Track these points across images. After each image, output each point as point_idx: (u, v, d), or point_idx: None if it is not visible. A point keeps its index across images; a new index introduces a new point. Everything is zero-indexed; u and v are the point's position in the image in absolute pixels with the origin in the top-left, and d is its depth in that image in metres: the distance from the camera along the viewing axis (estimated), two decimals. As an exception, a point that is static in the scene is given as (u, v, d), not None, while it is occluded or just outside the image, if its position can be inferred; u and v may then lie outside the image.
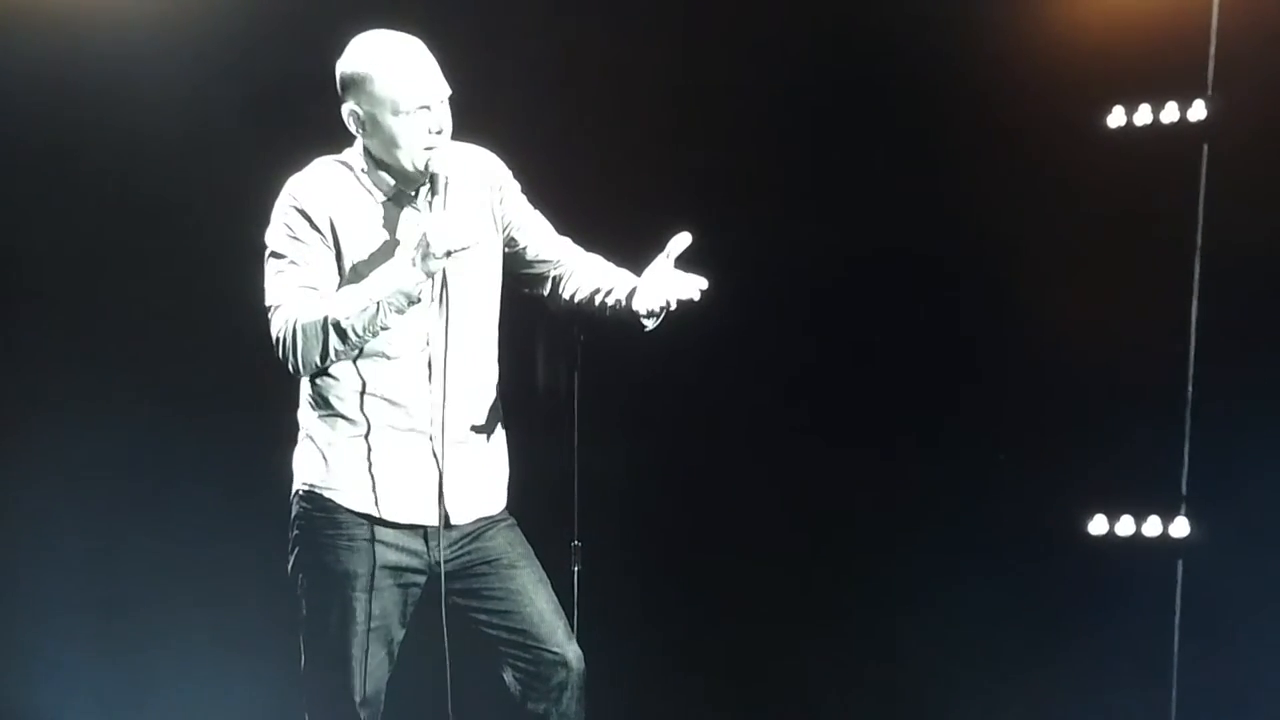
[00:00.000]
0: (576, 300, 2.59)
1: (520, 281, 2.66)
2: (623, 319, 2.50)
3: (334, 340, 2.38)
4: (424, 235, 2.32)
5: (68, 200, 3.28)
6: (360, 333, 2.37)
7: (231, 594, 3.30)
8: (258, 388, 2.70)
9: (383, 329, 2.39)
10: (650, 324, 2.48)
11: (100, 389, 3.33)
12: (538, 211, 2.65)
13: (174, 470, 3.33)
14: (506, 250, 2.62)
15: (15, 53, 3.23)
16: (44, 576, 3.40)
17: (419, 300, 2.39)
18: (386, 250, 2.43)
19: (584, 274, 2.61)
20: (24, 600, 3.42)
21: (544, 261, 2.64)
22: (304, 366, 2.42)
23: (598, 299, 2.55)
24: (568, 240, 2.66)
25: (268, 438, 2.67)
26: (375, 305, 2.35)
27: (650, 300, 2.40)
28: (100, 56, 3.21)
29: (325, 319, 2.37)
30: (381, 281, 2.37)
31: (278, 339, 2.41)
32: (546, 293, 2.66)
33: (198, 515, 3.31)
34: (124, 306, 3.31)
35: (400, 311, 2.37)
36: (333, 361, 2.43)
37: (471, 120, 2.51)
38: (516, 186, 2.62)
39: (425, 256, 2.32)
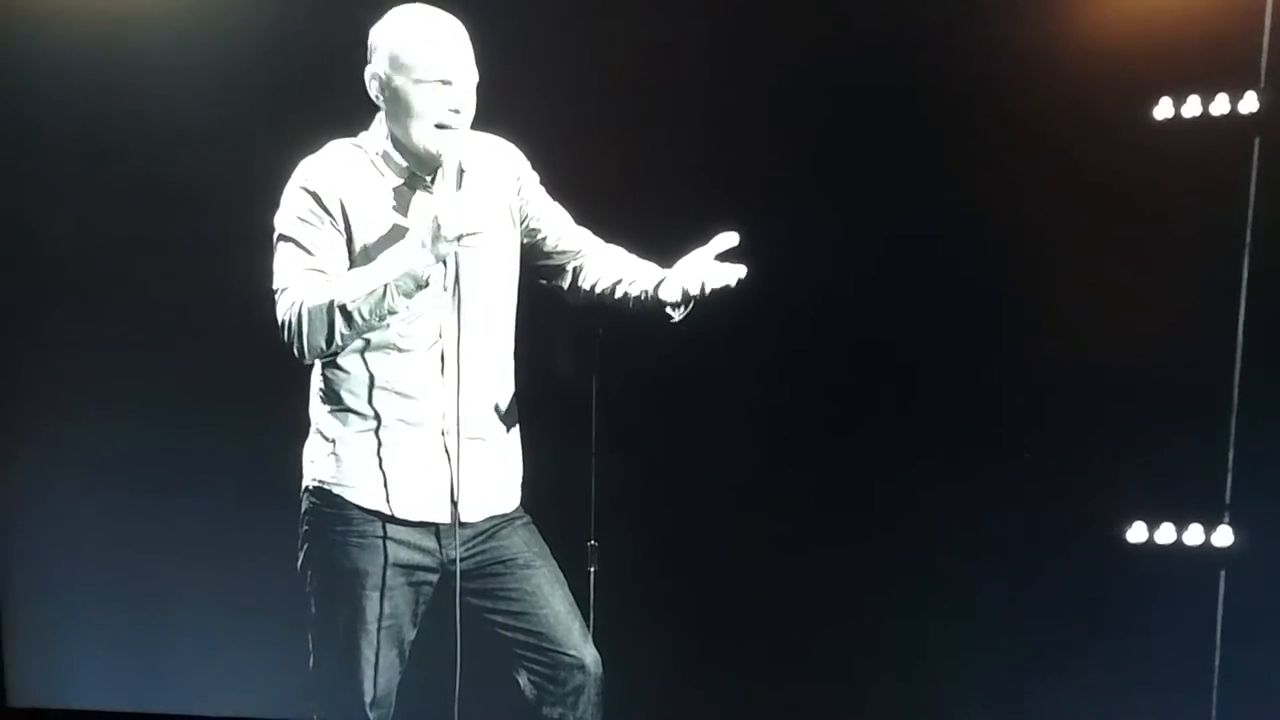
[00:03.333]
0: (598, 291, 2.54)
1: (539, 272, 2.62)
2: (648, 309, 2.44)
3: (340, 324, 2.34)
4: (435, 217, 2.28)
5: (95, 193, 3.28)
6: (367, 316, 2.33)
7: (252, 583, 3.29)
8: (282, 379, 2.66)
9: (390, 313, 2.35)
10: (678, 315, 2.42)
11: (123, 378, 3.33)
12: (556, 203, 2.60)
13: (196, 459, 3.31)
14: (525, 241, 2.58)
15: (49, 50, 3.23)
16: (66, 564, 3.41)
17: (427, 285, 2.34)
18: (398, 234, 2.40)
19: (606, 264, 2.56)
20: (47, 588, 3.43)
21: (563, 252, 2.59)
22: (309, 351, 2.38)
23: (620, 290, 2.50)
24: (587, 231, 2.61)
25: (290, 428, 2.63)
26: (383, 288, 2.31)
27: (686, 282, 2.34)
28: (131, 51, 3.20)
29: (331, 302, 2.33)
30: (389, 264, 2.33)
31: (283, 322, 2.38)
32: (566, 285, 2.61)
33: (218, 504, 3.31)
34: (149, 298, 3.29)
35: (408, 295, 2.33)
36: (339, 347, 2.40)
37: (492, 112, 2.47)
38: (535, 177, 2.58)
39: (435, 239, 2.28)
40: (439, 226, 2.27)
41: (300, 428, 2.60)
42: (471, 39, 2.40)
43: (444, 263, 2.37)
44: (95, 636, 3.44)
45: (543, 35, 3.03)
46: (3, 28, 3.23)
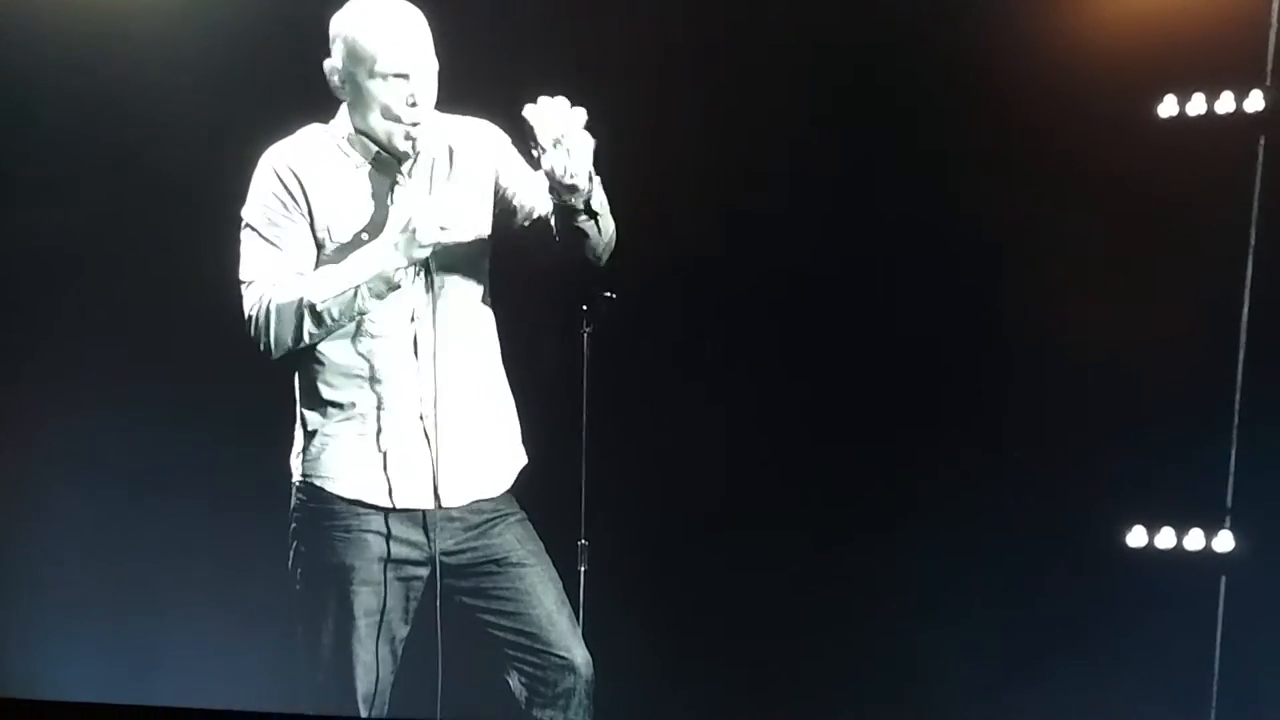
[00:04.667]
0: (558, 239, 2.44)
1: (524, 236, 2.50)
2: (569, 228, 2.35)
3: (309, 324, 2.34)
4: (409, 220, 2.26)
5: (85, 187, 3.26)
6: (336, 317, 2.33)
7: (244, 574, 3.26)
8: (276, 372, 2.65)
9: (361, 313, 2.34)
10: (585, 224, 2.34)
11: (112, 372, 3.31)
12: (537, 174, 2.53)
13: (185, 452, 3.29)
14: (512, 215, 2.50)
15: (44, 42, 3.22)
16: (53, 556, 3.40)
17: (399, 286, 2.33)
18: (364, 218, 2.39)
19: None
20: (33, 579, 3.43)
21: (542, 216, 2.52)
22: (275, 348, 2.39)
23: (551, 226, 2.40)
24: None
25: (285, 422, 2.63)
26: (354, 290, 2.31)
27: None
28: (122, 43, 3.18)
29: (300, 301, 2.33)
30: (361, 265, 2.32)
31: (250, 317, 2.38)
32: (556, 241, 2.51)
33: (209, 497, 3.28)
34: (138, 291, 3.27)
35: (380, 297, 2.34)
36: (305, 345, 2.39)
37: (474, 95, 2.47)
38: (514, 153, 2.51)
39: (410, 243, 2.26)
40: (414, 230, 2.25)
41: (294, 421, 2.59)
42: (456, 30, 2.39)
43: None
44: (84, 628, 3.43)
45: (527, 27, 3.00)
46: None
